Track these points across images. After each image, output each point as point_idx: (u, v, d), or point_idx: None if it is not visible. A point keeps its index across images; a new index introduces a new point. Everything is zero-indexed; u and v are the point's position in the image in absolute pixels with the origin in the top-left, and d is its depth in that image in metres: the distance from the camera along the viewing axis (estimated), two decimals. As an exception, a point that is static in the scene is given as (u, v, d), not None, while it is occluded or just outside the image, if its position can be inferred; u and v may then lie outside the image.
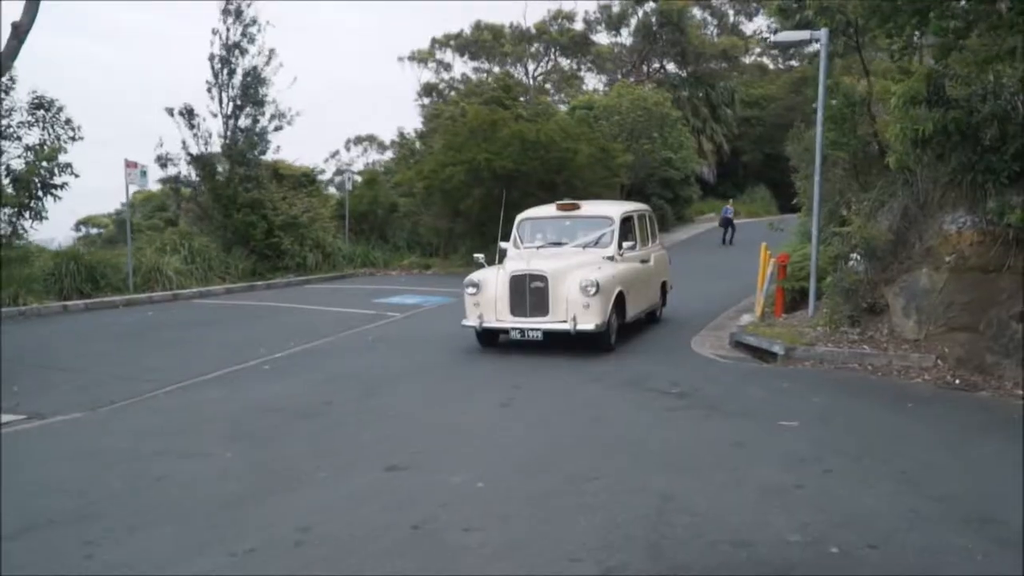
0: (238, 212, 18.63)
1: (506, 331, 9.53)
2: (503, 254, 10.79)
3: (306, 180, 23.35)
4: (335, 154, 41.31)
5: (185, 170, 19.20)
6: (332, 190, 28.56)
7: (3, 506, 4.80)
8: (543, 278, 9.29)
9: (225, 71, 18.82)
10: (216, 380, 8.69)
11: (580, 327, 9.09)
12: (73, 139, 13.70)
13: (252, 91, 19.03)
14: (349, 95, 74.22)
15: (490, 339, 9.91)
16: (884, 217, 10.52)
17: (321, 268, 20.34)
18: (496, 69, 43.76)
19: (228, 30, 18.86)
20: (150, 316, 13.18)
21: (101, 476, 5.48)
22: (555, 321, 9.23)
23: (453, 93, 32.30)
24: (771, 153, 49.64)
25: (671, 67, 47.01)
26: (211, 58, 18.71)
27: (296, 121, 19.38)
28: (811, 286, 11.11)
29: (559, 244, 10.62)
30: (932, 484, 5.15)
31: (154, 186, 23.66)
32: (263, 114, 19.29)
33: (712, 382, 8.28)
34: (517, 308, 9.37)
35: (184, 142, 18.69)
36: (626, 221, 10.94)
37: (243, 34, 19.00)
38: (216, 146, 19.07)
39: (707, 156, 43.00)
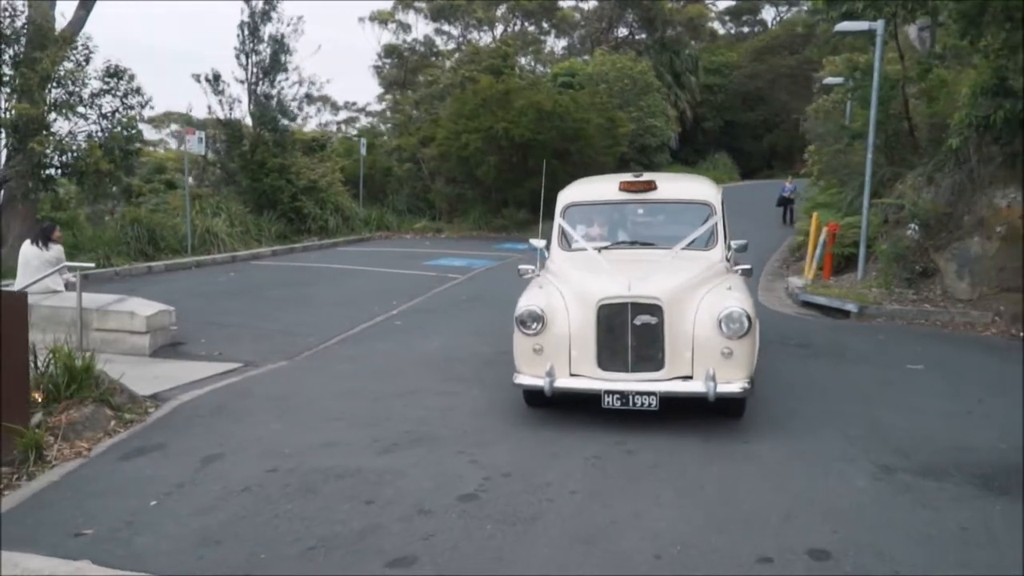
0: (267, 177, 19.02)
1: (592, 395, 5.62)
2: (542, 259, 7.08)
3: (316, 146, 23.67)
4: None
5: (210, 135, 19.42)
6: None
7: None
8: (656, 308, 5.56)
9: (252, 38, 19.05)
10: (364, 334, 9.50)
11: (723, 389, 5.43)
12: (143, 106, 13.96)
13: (277, 58, 19.33)
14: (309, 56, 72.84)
15: (545, 398, 5.82)
16: (932, 191, 11.95)
17: (341, 231, 20.89)
18: (456, 31, 44.19)
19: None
20: (233, 277, 13.74)
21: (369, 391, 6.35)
22: (675, 378, 5.58)
23: (449, 62, 32.62)
24: (731, 120, 51.98)
25: (629, 34, 48.23)
26: (241, 25, 18.91)
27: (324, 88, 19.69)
28: (861, 251, 12.48)
29: (633, 244, 6.93)
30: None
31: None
32: (287, 80, 19.64)
33: (814, 335, 9.51)
34: (611, 357, 5.63)
35: (210, 107, 18.95)
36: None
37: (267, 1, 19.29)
38: (240, 112, 19.39)
39: (672, 123, 44.61)
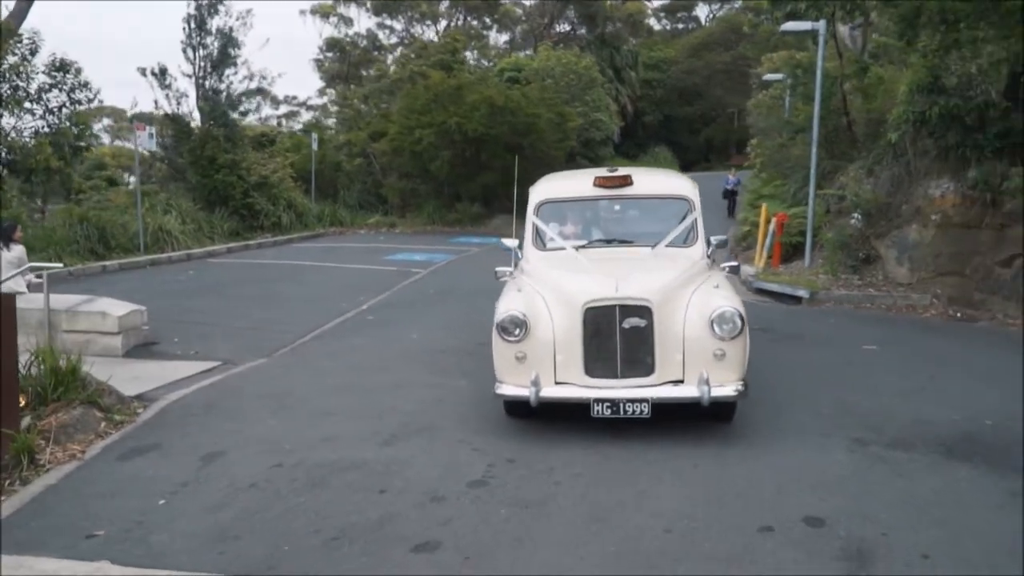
0: (218, 173, 18.76)
1: (581, 404, 5.30)
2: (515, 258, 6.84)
3: (266, 141, 23.39)
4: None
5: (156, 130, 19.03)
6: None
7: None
8: (645, 310, 5.26)
9: (199, 31, 18.73)
10: (338, 330, 9.57)
11: (717, 393, 5.17)
12: (91, 101, 13.62)
13: (226, 52, 19.06)
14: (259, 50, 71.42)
15: (528, 409, 5.57)
16: (872, 183, 12.57)
17: (295, 227, 20.74)
18: (399, 26, 44.01)
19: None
20: (193, 275, 13.57)
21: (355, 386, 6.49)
22: (666, 382, 5.29)
23: (391, 56, 32.51)
24: (670, 114, 53.14)
25: (570, 30, 48.77)
26: (187, 19, 18.57)
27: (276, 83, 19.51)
28: (808, 240, 13.04)
29: (610, 242, 6.62)
30: (1000, 378, 7.01)
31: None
32: (236, 75, 19.39)
33: (774, 320, 9.95)
34: (599, 363, 5.32)
35: (156, 102, 18.59)
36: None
37: (213, -7, 18.98)
38: (188, 107, 19.07)
39: (615, 117, 45.30)
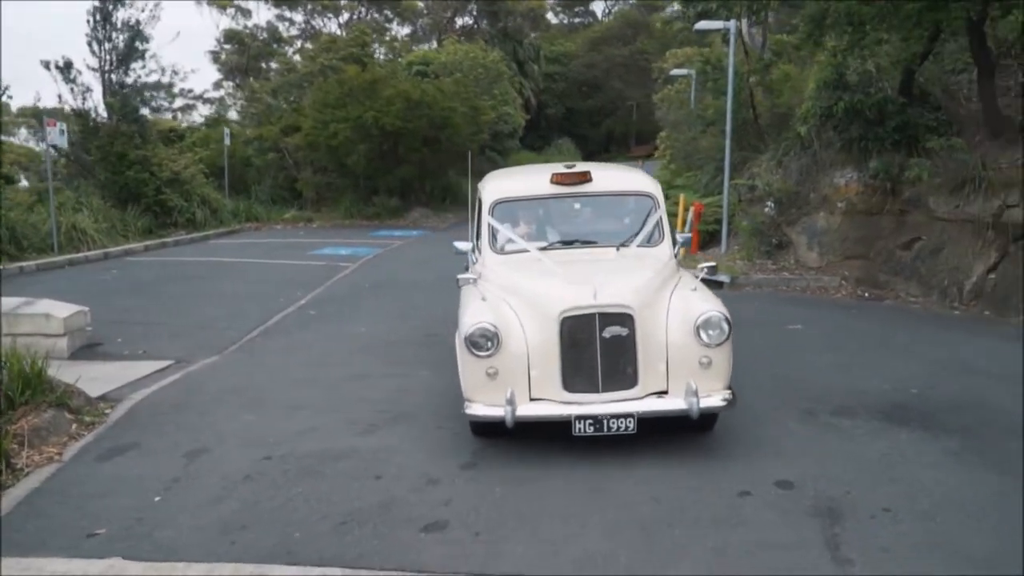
0: (129, 169, 18.10)
1: (561, 422, 4.91)
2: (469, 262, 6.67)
3: (175, 136, 22.63)
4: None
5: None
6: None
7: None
8: (626, 317, 4.91)
9: (104, 24, 18.00)
10: (283, 325, 9.55)
11: (706, 403, 4.89)
12: (1, 95, 12.92)
13: (133, 46, 18.40)
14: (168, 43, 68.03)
15: (502, 429, 4.99)
16: (781, 173, 13.40)
17: (210, 224, 20.22)
18: (299, 18, 43.18)
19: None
20: (116, 274, 13.13)
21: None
22: (650, 393, 4.97)
23: (292, 48, 31.89)
24: (571, 107, 54.26)
25: (473, 23, 49.03)
26: (92, 11, 17.81)
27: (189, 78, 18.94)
28: (724, 228, 13.79)
29: (572, 243, 6.14)
30: (914, 352, 7.78)
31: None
32: (144, 68, 18.74)
33: (701, 305, 10.53)
34: (578, 377, 4.94)
35: (60, 96, 17.77)
36: None
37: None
38: (93, 102, 18.32)
39: (520, 110, 45.87)
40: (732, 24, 13.25)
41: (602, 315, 4.90)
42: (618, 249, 5.96)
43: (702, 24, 13.50)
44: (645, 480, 4.70)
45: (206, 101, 42.18)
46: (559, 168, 6.33)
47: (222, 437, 5.66)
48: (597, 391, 4.93)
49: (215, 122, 27.54)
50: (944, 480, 4.65)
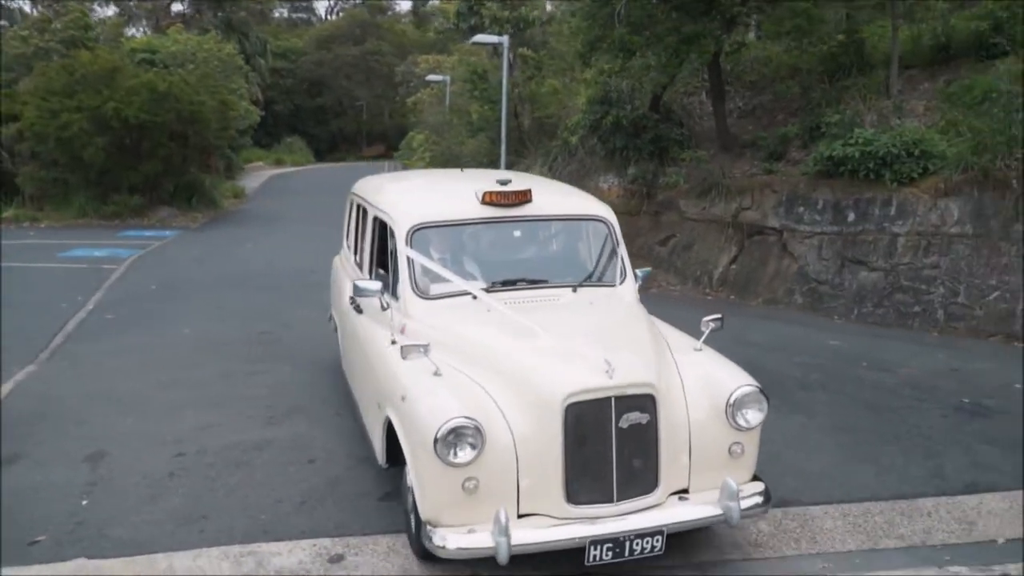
0: None
1: (568, 549, 3.62)
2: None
3: None
4: None
5: None
6: None
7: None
8: (648, 400, 3.71)
9: None
10: (88, 331, 8.95)
11: (748, 504, 3.83)
12: None
13: None
14: None
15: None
16: (551, 177, 14.91)
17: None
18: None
19: None
20: None
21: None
22: (671, 494, 3.84)
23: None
24: (300, 105, 53.26)
25: (195, 11, 46.34)
26: None
27: None
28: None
29: (517, 284, 4.69)
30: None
31: None
32: None
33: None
34: (586, 483, 3.67)
35: None
36: None
37: None
38: None
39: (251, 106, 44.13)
40: (506, 40, 14.48)
41: (619, 399, 3.65)
42: (575, 290, 4.68)
43: (479, 38, 14.58)
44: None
45: None
46: (488, 184, 4.84)
47: (115, 441, 5.49)
48: (611, 500, 3.67)
49: None
50: (823, 447, 5.90)
